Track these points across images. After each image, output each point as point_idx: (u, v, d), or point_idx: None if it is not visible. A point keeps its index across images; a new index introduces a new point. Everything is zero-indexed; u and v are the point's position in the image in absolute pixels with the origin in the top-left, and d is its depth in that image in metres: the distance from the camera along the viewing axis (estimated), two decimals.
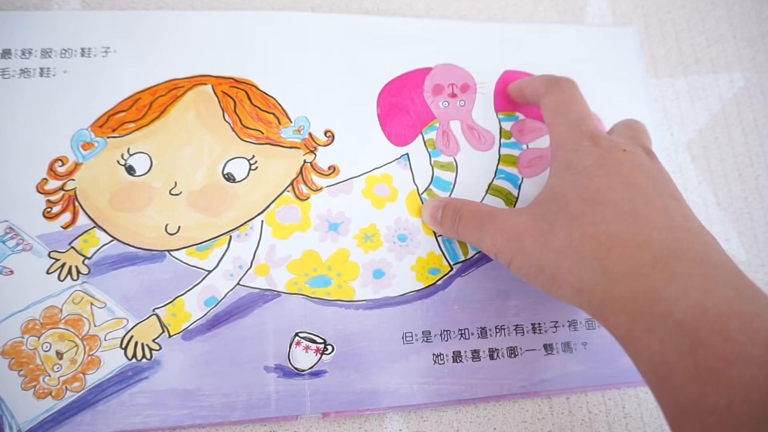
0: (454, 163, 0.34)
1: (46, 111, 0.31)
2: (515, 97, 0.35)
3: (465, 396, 0.30)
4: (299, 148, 0.32)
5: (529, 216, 0.27)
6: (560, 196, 0.26)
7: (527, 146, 0.35)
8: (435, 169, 0.33)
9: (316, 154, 0.32)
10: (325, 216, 0.31)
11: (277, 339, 0.29)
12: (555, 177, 0.28)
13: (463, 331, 0.31)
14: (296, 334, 0.29)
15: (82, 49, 0.32)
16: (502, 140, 0.35)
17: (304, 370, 0.29)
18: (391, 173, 0.33)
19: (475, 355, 0.31)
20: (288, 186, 0.32)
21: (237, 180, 0.31)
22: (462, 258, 0.32)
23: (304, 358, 0.29)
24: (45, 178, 0.30)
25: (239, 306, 0.30)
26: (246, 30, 0.34)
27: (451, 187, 0.33)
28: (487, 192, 0.33)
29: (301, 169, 0.32)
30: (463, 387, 0.30)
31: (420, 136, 0.34)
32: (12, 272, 0.28)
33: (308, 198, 0.32)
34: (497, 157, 0.34)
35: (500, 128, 0.35)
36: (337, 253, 0.31)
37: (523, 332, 0.32)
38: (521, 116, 0.35)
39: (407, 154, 0.33)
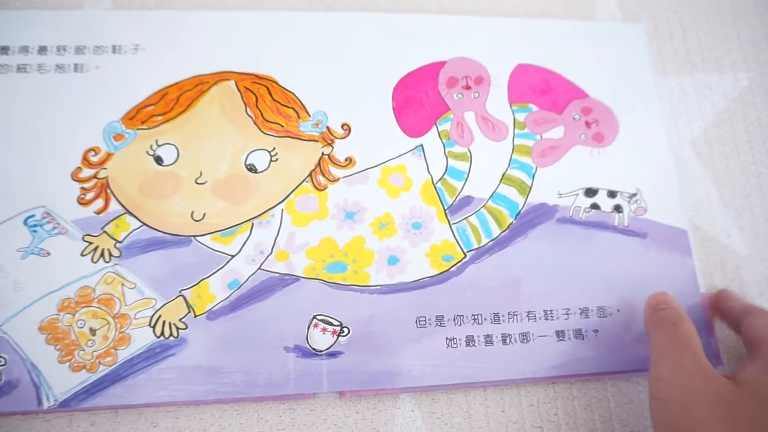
0: (468, 154, 0.35)
1: (80, 104, 0.33)
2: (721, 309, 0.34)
3: (478, 379, 0.31)
4: (317, 141, 0.34)
5: (714, 389, 0.26)
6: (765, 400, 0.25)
7: (541, 137, 0.36)
8: (449, 159, 0.35)
9: (333, 147, 0.34)
10: (341, 205, 0.33)
11: (295, 321, 0.31)
12: None
13: (476, 317, 0.32)
14: (314, 317, 0.31)
15: (113, 46, 0.34)
16: (516, 131, 0.36)
17: (321, 351, 0.30)
18: (406, 164, 0.34)
19: (488, 339, 0.32)
20: (307, 177, 0.33)
21: (259, 171, 0.33)
22: (475, 245, 0.33)
23: (321, 339, 0.31)
24: (79, 167, 0.32)
25: (260, 289, 0.31)
26: (267, 29, 0.35)
27: (465, 176, 0.34)
28: (500, 181, 0.35)
29: (320, 160, 0.33)
30: (476, 370, 0.31)
31: (434, 127, 0.35)
32: (49, 254, 0.30)
33: (326, 188, 0.33)
34: (511, 147, 0.35)
35: (514, 119, 0.36)
36: (353, 240, 0.32)
37: (535, 318, 0.33)
38: (535, 107, 0.37)
39: (422, 145, 0.35)
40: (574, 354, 0.32)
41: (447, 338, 0.32)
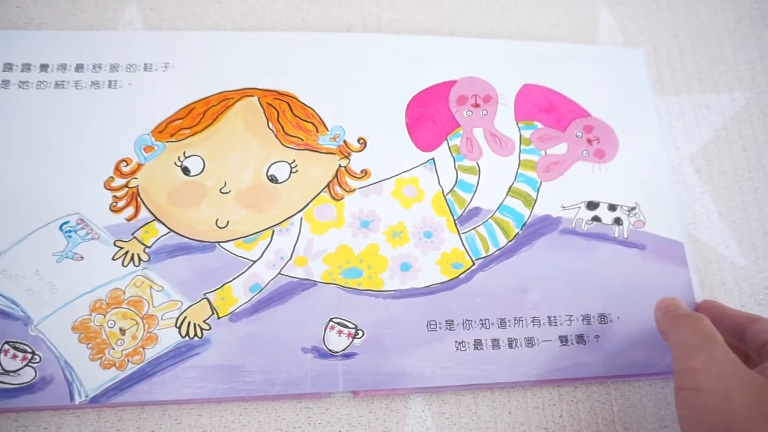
0: (477, 167, 0.37)
1: (113, 118, 0.35)
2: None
3: (485, 381, 0.33)
4: (335, 154, 0.36)
5: (751, 381, 0.26)
6: None
7: (545, 152, 0.38)
8: (459, 172, 0.37)
9: (350, 159, 0.36)
10: (357, 214, 0.35)
11: (313, 323, 0.32)
12: None
13: (483, 321, 0.34)
14: (330, 320, 0.32)
15: (145, 65, 0.36)
16: (522, 147, 0.38)
17: (337, 352, 0.32)
18: (418, 176, 0.36)
19: (495, 343, 0.33)
20: (324, 187, 0.35)
21: (279, 181, 0.35)
22: (483, 254, 0.35)
23: (337, 341, 0.32)
24: (111, 177, 0.34)
25: (280, 293, 0.33)
26: (288, 48, 0.38)
27: (474, 189, 0.36)
28: (507, 194, 0.37)
29: (337, 172, 0.35)
30: (483, 372, 0.33)
31: (445, 142, 0.37)
32: (82, 258, 0.32)
33: (342, 198, 0.35)
34: (517, 162, 0.37)
35: (520, 136, 0.38)
36: (368, 247, 0.34)
37: (539, 324, 0.34)
38: (540, 125, 0.39)
39: (433, 158, 0.37)
40: (577, 358, 0.34)
41: (456, 341, 0.33)
